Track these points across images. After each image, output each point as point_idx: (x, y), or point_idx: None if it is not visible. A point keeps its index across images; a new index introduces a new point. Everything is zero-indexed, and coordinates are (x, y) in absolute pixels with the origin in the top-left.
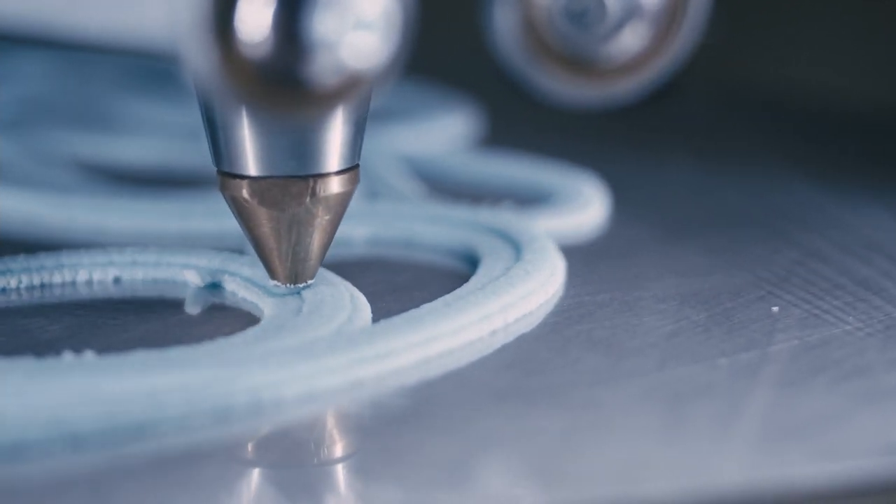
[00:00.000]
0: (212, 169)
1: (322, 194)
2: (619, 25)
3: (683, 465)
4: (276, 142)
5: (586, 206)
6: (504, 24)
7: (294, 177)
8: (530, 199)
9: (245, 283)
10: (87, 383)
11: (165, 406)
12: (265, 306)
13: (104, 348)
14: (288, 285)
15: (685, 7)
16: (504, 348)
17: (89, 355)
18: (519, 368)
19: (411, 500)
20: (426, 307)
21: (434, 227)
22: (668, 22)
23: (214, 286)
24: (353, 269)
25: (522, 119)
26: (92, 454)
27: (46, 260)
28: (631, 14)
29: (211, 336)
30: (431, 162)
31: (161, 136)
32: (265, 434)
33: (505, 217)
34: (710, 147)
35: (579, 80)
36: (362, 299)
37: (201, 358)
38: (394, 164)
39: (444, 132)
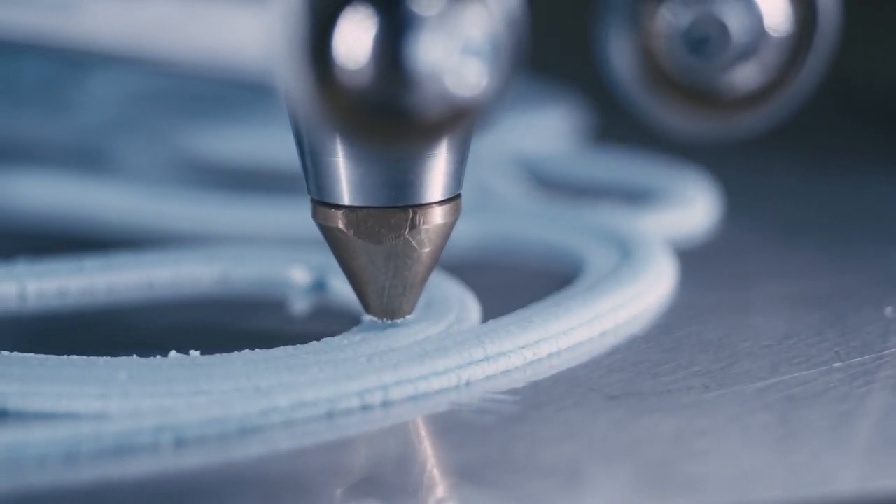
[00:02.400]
0: None
1: (422, 226)
2: (743, 54)
3: (798, 472)
4: (374, 170)
5: (695, 205)
6: (620, 53)
7: (393, 207)
8: (639, 198)
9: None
10: (193, 382)
11: (272, 406)
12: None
13: (209, 347)
14: (383, 321)
15: (812, 35)
16: (614, 350)
17: (195, 354)
18: (630, 370)
19: None
20: (535, 308)
21: (542, 227)
22: (794, 51)
23: (320, 284)
24: (460, 269)
25: (631, 116)
26: (198, 453)
27: (152, 256)
28: (756, 42)
29: (317, 335)
30: (540, 160)
31: (270, 129)
32: (372, 435)
33: (612, 216)
34: (820, 146)
35: (699, 111)
36: (471, 299)
37: (308, 358)
38: (502, 162)
39: (553, 128)
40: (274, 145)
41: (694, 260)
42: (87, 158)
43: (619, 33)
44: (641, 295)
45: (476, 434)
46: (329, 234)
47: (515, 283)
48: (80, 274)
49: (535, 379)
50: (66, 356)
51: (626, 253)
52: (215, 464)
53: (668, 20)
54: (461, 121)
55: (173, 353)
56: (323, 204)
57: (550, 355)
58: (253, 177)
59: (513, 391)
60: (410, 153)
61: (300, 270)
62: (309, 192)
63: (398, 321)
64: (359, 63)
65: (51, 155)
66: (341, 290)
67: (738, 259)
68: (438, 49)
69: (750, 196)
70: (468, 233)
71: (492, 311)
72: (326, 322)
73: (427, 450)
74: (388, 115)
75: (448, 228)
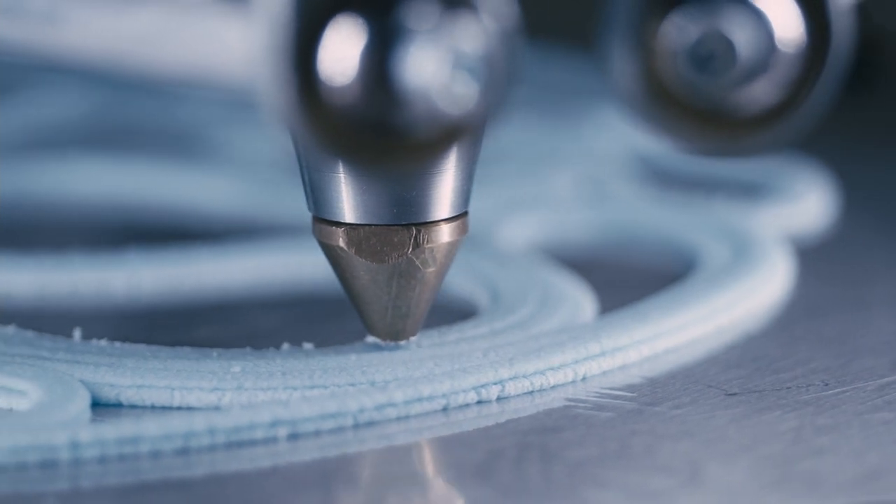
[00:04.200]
0: None
1: (426, 244)
2: (752, 72)
3: None
4: (374, 187)
5: (811, 199)
6: (624, 72)
7: (395, 225)
8: (754, 192)
9: (464, 273)
10: (308, 376)
11: (388, 400)
12: (485, 297)
13: (322, 341)
14: (387, 342)
15: (824, 53)
16: (731, 346)
17: (308, 348)
18: (747, 367)
19: None
20: (651, 302)
21: (656, 222)
22: (805, 69)
23: None
24: (575, 263)
25: None
26: (313, 447)
27: (263, 247)
28: (765, 58)
29: (430, 328)
30: (654, 154)
31: None
32: (488, 430)
33: (727, 211)
34: None
35: (706, 131)
36: (586, 293)
37: (423, 352)
38: (616, 157)
39: None
40: None
41: (811, 255)
42: (196, 148)
43: (623, 52)
44: (757, 290)
45: (593, 430)
46: (330, 252)
47: (630, 277)
48: (192, 264)
49: (651, 375)
50: (178, 348)
51: (741, 248)
52: (330, 458)
53: (673, 38)
54: (452, 139)
55: (286, 345)
56: (323, 221)
57: (666, 351)
58: None
59: (629, 387)
60: (401, 173)
61: None
62: (309, 209)
63: (402, 343)
64: (345, 79)
65: (160, 144)
66: (454, 283)
67: (857, 254)
68: (429, 65)
69: (869, 189)
70: (583, 228)
71: (606, 305)
72: (438, 316)
73: (543, 445)
74: (376, 134)
75: (454, 248)
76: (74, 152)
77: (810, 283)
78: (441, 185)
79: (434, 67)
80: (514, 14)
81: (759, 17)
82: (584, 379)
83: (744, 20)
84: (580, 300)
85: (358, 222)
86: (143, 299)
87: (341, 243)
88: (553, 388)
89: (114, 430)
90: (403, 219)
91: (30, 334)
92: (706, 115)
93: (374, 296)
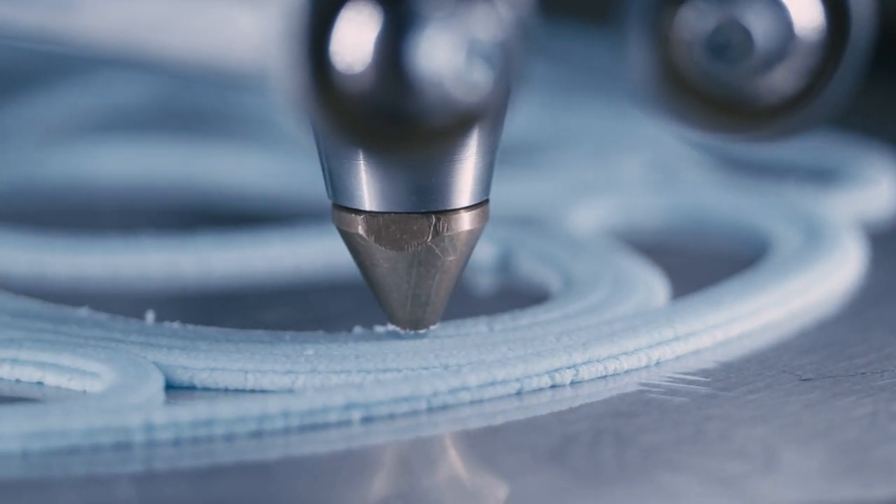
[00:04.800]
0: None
1: (446, 233)
2: (769, 61)
3: None
4: (394, 174)
5: (883, 185)
6: (640, 62)
7: (415, 213)
8: (825, 177)
9: (536, 256)
10: (381, 359)
11: (462, 384)
12: (557, 281)
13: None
14: (407, 331)
15: (844, 40)
16: (804, 331)
17: (380, 331)
18: (821, 352)
19: (717, 493)
20: (724, 287)
21: (728, 207)
22: (824, 57)
23: (504, 262)
24: (645, 248)
25: None
26: (387, 430)
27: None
28: (782, 48)
29: (502, 311)
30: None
31: None
32: (562, 414)
33: (798, 196)
34: None
35: (723, 121)
36: (658, 278)
37: (497, 336)
38: (685, 141)
39: None
40: None
41: (882, 240)
42: (267, 132)
43: (639, 41)
44: (830, 275)
45: (667, 415)
46: (349, 240)
47: (701, 262)
48: (263, 247)
49: (724, 360)
50: (251, 331)
51: (813, 233)
52: (404, 441)
53: (689, 26)
54: (466, 127)
55: (358, 328)
56: (343, 208)
57: (740, 336)
58: None
59: (702, 372)
60: (415, 161)
61: (484, 246)
62: (328, 196)
63: (422, 332)
64: (358, 66)
65: (230, 127)
66: (526, 267)
67: None
68: (442, 52)
69: None
70: (653, 213)
71: (678, 290)
72: (510, 300)
73: (617, 430)
74: (390, 121)
75: (474, 236)
76: (145, 135)
77: (882, 268)
78: (461, 172)
79: (448, 54)
80: (529, 1)
81: (776, 5)
82: (657, 364)
83: (761, 8)
84: (652, 285)
85: (377, 210)
86: (214, 282)
87: (360, 231)
88: (626, 372)
89: (188, 412)
90: (423, 206)
91: (102, 317)
92: (724, 104)
93: (394, 284)
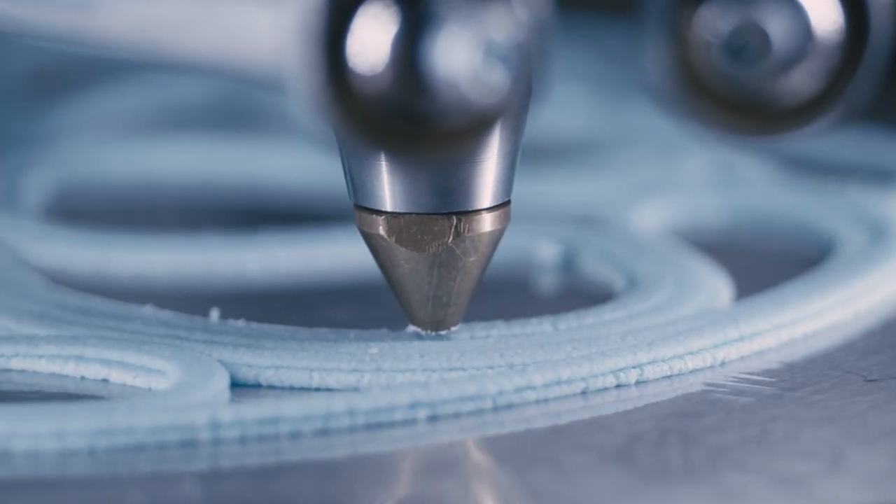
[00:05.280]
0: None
1: (466, 234)
2: (787, 63)
3: None
4: (415, 175)
5: None
6: (658, 63)
7: (436, 214)
8: (888, 177)
9: (600, 256)
10: (446, 358)
11: (527, 383)
12: (621, 281)
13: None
14: (428, 332)
15: (864, 42)
16: (870, 332)
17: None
18: (887, 353)
19: (783, 493)
20: (789, 287)
21: (791, 206)
22: (843, 59)
23: (568, 260)
24: (708, 248)
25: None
26: (452, 429)
27: None
28: (800, 49)
29: (567, 311)
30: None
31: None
32: (627, 414)
33: (861, 195)
34: None
35: (741, 123)
36: (722, 278)
37: (561, 335)
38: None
39: None
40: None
41: None
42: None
43: (657, 42)
44: (895, 275)
45: (733, 415)
46: (370, 241)
47: (764, 262)
48: (327, 245)
49: (789, 360)
50: (316, 329)
51: (877, 233)
52: (469, 440)
53: (707, 28)
54: (483, 129)
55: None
56: (364, 209)
57: (805, 336)
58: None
59: (767, 372)
60: (430, 162)
61: (548, 246)
62: (350, 197)
63: (443, 333)
64: (375, 66)
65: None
66: (589, 267)
67: None
68: (459, 54)
69: None
70: (716, 212)
71: (742, 290)
72: (574, 299)
73: (683, 430)
74: (406, 122)
75: (495, 237)
76: (207, 134)
77: None
78: (482, 173)
79: (465, 56)
80: (547, 2)
81: (794, 6)
82: (722, 364)
83: (779, 9)
84: (717, 285)
85: (398, 211)
86: (278, 280)
87: (381, 232)
88: (691, 372)
89: (254, 410)
90: (444, 207)
91: (167, 315)
92: (742, 105)
93: (415, 285)
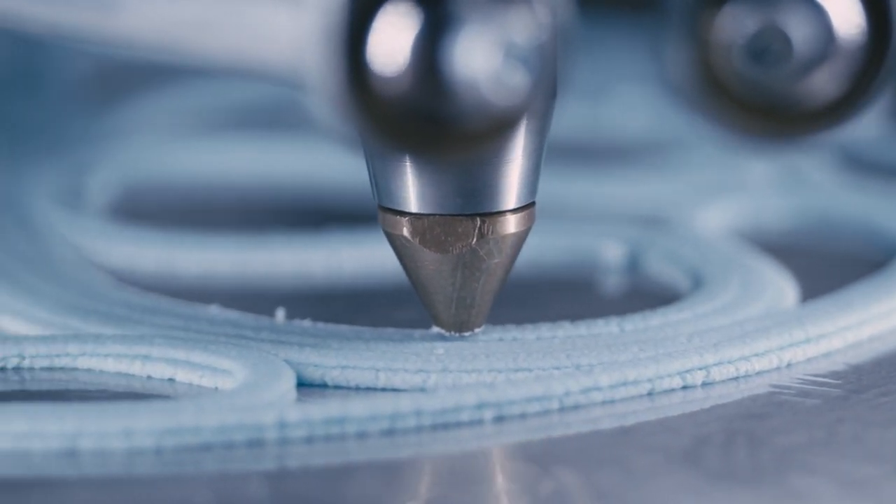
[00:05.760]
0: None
1: (490, 235)
2: (809, 65)
3: None
4: (439, 176)
5: None
6: (679, 64)
7: (460, 215)
8: None
9: (665, 257)
10: (512, 359)
11: (593, 384)
12: (686, 282)
13: (523, 323)
14: (452, 333)
15: (886, 43)
16: None
17: (511, 329)
18: None
19: (851, 496)
20: (855, 289)
21: (857, 208)
22: (865, 61)
23: (633, 261)
24: (773, 249)
25: None
26: (518, 430)
27: None
28: (822, 52)
29: (632, 311)
30: (849, 140)
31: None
32: (693, 416)
33: None
34: None
35: (762, 126)
36: (787, 279)
37: (627, 337)
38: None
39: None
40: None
41: None
42: None
43: (678, 44)
44: None
45: (799, 417)
46: (394, 242)
47: (829, 264)
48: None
49: (855, 362)
50: (381, 329)
51: None
52: (536, 441)
53: (728, 30)
54: (503, 131)
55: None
56: (388, 210)
57: (871, 338)
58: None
59: (834, 374)
60: (451, 164)
61: (613, 246)
62: (374, 198)
63: (467, 335)
64: (395, 68)
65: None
66: (654, 267)
67: None
68: (479, 55)
69: None
70: (780, 214)
71: (807, 292)
72: (640, 300)
73: (750, 432)
74: (425, 124)
75: (519, 239)
76: (273, 133)
77: None
78: (506, 175)
79: (485, 58)
80: (569, 4)
81: (816, 9)
82: (788, 365)
83: (801, 12)
84: (782, 286)
85: (422, 212)
86: (343, 280)
87: (405, 233)
88: (758, 374)
89: (321, 410)
90: (468, 209)
91: (233, 314)
92: (763, 108)
93: (439, 286)
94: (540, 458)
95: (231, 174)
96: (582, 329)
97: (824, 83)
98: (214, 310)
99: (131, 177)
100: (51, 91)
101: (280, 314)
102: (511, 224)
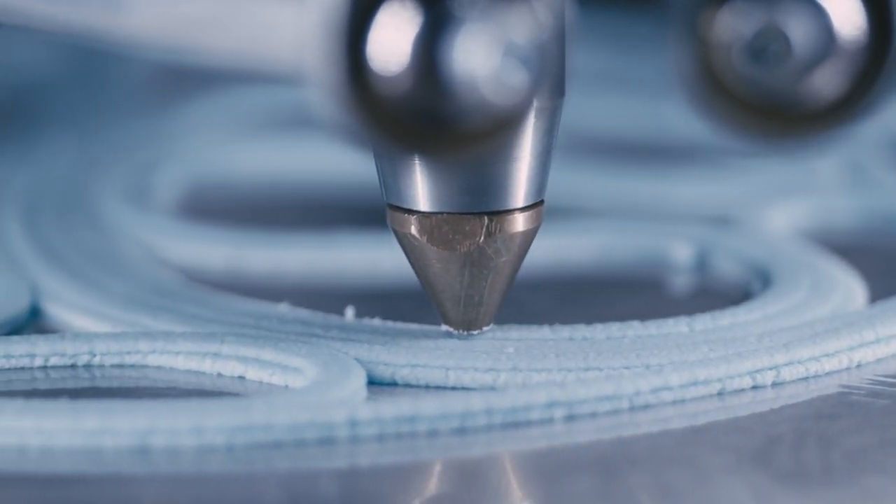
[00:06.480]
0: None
1: (498, 234)
2: (809, 65)
3: None
4: (447, 175)
5: None
6: (680, 63)
7: (467, 213)
8: None
9: (733, 257)
10: (583, 358)
11: (664, 384)
12: (755, 282)
13: (591, 322)
14: (460, 332)
15: (887, 44)
16: None
17: (581, 328)
18: None
19: None
20: None
21: None
22: (866, 61)
23: (701, 261)
24: (841, 249)
25: None
26: (589, 429)
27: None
28: (823, 52)
29: (701, 311)
30: None
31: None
32: (763, 416)
33: None
34: None
35: (763, 126)
36: (856, 280)
37: (697, 336)
38: (876, 142)
39: None
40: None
41: None
42: None
43: (679, 43)
44: None
45: (870, 417)
46: (403, 240)
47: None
48: None
49: None
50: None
51: None
52: (606, 440)
53: (728, 30)
54: (503, 130)
55: (543, 328)
56: (396, 208)
57: None
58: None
59: None
60: (452, 163)
61: (681, 246)
62: (382, 196)
63: (475, 333)
64: (395, 67)
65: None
66: (722, 267)
67: None
68: (478, 54)
69: None
70: (850, 214)
71: (876, 292)
72: (708, 300)
73: (821, 432)
74: (425, 123)
75: (527, 237)
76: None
77: None
78: (514, 174)
79: (484, 57)
80: (569, 3)
81: (816, 9)
82: (858, 366)
83: (800, 12)
84: (851, 286)
85: (430, 210)
86: (411, 279)
87: (413, 231)
88: (827, 374)
89: (392, 408)
90: (475, 207)
91: (303, 312)
92: (764, 108)
93: (447, 284)
94: (610, 457)
95: (297, 172)
96: (652, 328)
97: (825, 83)
98: (284, 308)
99: (197, 175)
100: (118, 90)
101: (349, 312)
102: (519, 223)
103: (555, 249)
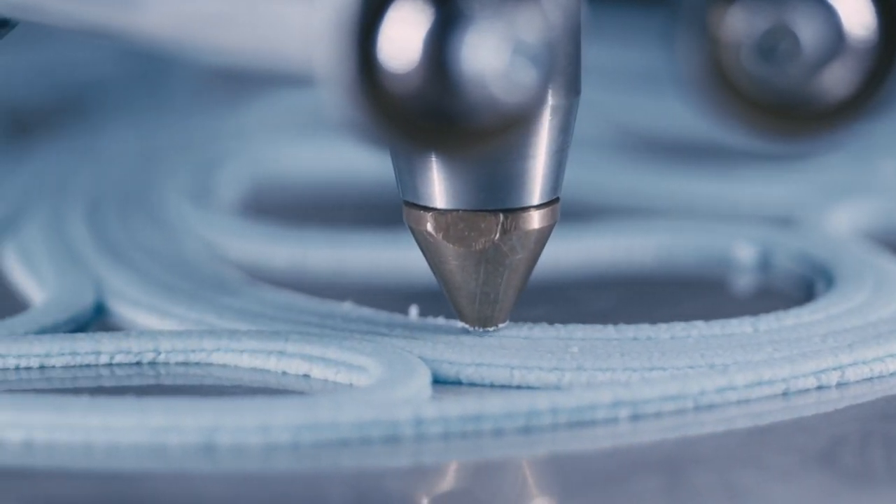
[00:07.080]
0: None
1: (513, 231)
2: (818, 64)
3: None
4: (462, 172)
5: None
6: (688, 62)
7: (483, 211)
8: None
9: (796, 257)
10: (647, 358)
11: (729, 384)
12: (818, 282)
13: (655, 322)
14: (476, 329)
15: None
16: None
17: (645, 328)
18: None
19: None
20: None
21: None
22: (876, 60)
23: (764, 261)
24: None
25: None
26: (653, 429)
27: (591, 228)
28: (833, 50)
29: (764, 311)
30: None
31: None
32: (828, 416)
33: None
34: None
35: (773, 125)
36: None
37: (762, 336)
38: None
39: None
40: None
41: None
42: None
43: (688, 41)
44: None
45: None
46: (419, 237)
47: None
48: None
49: None
50: (515, 326)
51: None
52: (670, 440)
53: (737, 29)
54: (513, 128)
55: (607, 327)
56: (412, 205)
57: None
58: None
59: None
60: (462, 161)
61: (745, 246)
62: (399, 193)
63: (491, 330)
64: (404, 65)
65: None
66: (785, 267)
67: None
68: (487, 52)
69: None
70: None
71: None
72: (771, 300)
73: (886, 433)
74: (434, 120)
75: (542, 234)
76: None
77: None
78: (529, 171)
79: (493, 55)
80: (583, 2)
81: (826, 8)
82: None
83: (810, 11)
84: None
85: (446, 207)
86: None
87: (429, 228)
88: (892, 374)
89: (457, 406)
90: (491, 204)
91: (367, 311)
92: (773, 107)
93: (463, 281)
94: (675, 457)
95: (360, 171)
96: (716, 328)
97: (834, 82)
98: (348, 307)
99: (260, 173)
100: (181, 88)
101: (413, 311)
102: (534, 220)
103: (618, 249)
